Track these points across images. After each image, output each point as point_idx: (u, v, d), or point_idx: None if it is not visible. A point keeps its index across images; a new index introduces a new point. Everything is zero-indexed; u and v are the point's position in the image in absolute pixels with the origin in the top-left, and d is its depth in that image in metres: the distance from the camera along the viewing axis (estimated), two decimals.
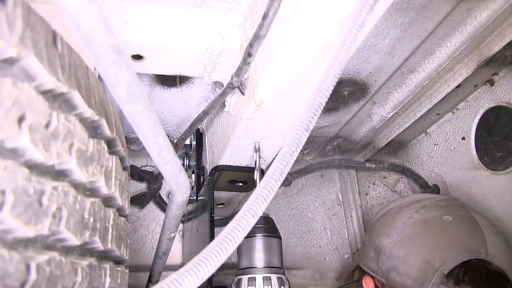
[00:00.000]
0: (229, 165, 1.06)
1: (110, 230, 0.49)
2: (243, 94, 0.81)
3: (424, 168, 1.45)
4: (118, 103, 0.36)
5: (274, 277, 0.86)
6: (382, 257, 0.96)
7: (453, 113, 1.30)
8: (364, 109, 1.29)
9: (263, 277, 0.86)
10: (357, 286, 1.06)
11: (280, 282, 0.86)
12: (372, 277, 0.99)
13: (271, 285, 0.85)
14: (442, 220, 0.96)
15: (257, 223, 0.88)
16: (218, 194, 1.22)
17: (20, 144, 0.34)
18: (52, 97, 0.39)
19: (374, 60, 1.04)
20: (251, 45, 0.64)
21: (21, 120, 0.34)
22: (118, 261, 0.54)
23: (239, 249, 0.95)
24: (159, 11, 0.78)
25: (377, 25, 0.92)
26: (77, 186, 0.42)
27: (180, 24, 0.80)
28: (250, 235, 0.93)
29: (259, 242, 0.92)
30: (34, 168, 0.36)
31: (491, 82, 1.16)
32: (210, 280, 0.99)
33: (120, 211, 0.54)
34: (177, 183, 0.49)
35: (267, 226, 0.95)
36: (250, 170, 1.04)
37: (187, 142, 1.26)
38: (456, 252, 0.88)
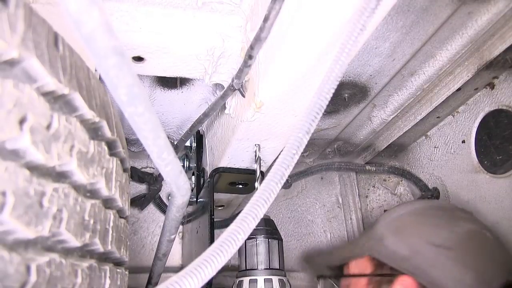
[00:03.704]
0: (229, 167, 1.06)
1: (110, 231, 0.49)
2: (243, 96, 0.81)
3: (424, 171, 1.45)
4: (119, 105, 0.36)
5: (275, 279, 0.86)
6: (424, 262, 0.93)
7: (454, 116, 1.30)
8: (364, 111, 1.29)
9: (265, 279, 0.86)
10: (379, 281, 0.98)
11: (282, 284, 0.86)
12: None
13: (273, 287, 0.85)
14: (486, 236, 0.98)
15: (258, 225, 0.88)
16: (218, 196, 1.22)
17: (21, 145, 0.34)
18: (53, 98, 0.39)
19: (375, 63, 1.04)
20: (252, 47, 0.65)
21: (22, 121, 0.34)
22: (118, 263, 0.54)
23: (240, 251, 0.95)
24: (160, 12, 0.78)
25: (378, 28, 0.93)
26: (77, 187, 0.42)
27: (181, 26, 0.80)
28: (251, 237, 0.93)
29: (260, 244, 0.92)
30: (35, 169, 0.36)
31: (492, 86, 1.16)
32: (210, 283, 0.99)
33: (120, 213, 0.54)
34: (177, 185, 0.49)
35: (268, 228, 0.95)
36: (250, 172, 1.05)
37: (187, 144, 1.26)
38: (503, 271, 0.91)
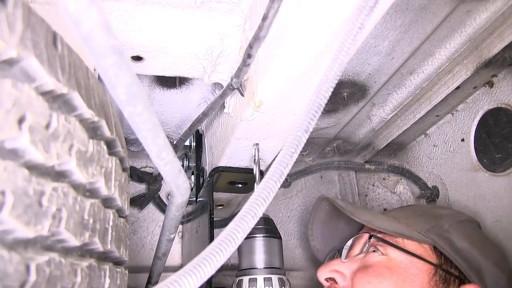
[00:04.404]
0: (229, 166, 1.06)
1: (110, 231, 0.49)
2: (242, 95, 0.81)
3: (423, 169, 1.45)
4: (118, 104, 0.36)
5: (275, 277, 0.86)
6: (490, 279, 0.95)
7: (453, 115, 1.31)
8: (363, 110, 1.29)
9: (264, 278, 0.86)
10: (447, 279, 0.94)
11: (281, 282, 0.86)
12: None
13: (272, 286, 0.85)
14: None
15: (258, 223, 0.88)
16: (218, 195, 1.22)
17: (20, 145, 0.34)
18: (52, 98, 0.39)
19: (374, 61, 1.04)
20: (250, 46, 0.65)
21: (21, 121, 0.34)
22: (117, 262, 0.54)
23: (239, 250, 0.95)
24: (159, 12, 0.78)
25: (377, 27, 0.93)
26: (77, 187, 0.42)
27: (180, 25, 0.80)
28: (251, 236, 0.92)
29: (259, 243, 0.92)
30: (34, 169, 0.36)
31: (491, 84, 1.16)
32: (209, 281, 0.99)
33: (119, 212, 0.54)
34: (177, 185, 0.49)
35: (267, 226, 0.95)
36: (250, 171, 1.05)
37: (187, 143, 1.26)
38: None
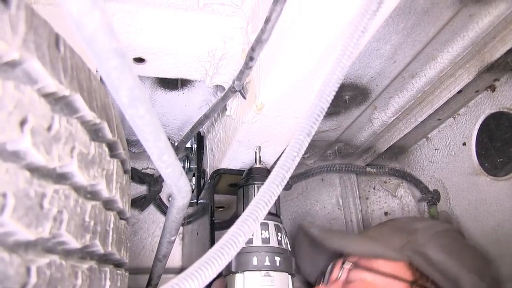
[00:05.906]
0: (230, 169, 1.06)
1: (111, 233, 0.49)
2: (244, 98, 0.81)
3: (424, 173, 1.45)
4: (120, 107, 0.36)
5: (271, 223, 0.85)
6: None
7: (454, 119, 1.30)
8: (365, 113, 1.29)
9: (261, 223, 0.84)
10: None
11: (277, 228, 0.85)
12: None
13: (268, 230, 0.84)
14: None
15: (258, 172, 0.88)
16: (218, 198, 1.22)
17: (21, 147, 0.34)
18: (54, 100, 0.39)
19: (376, 65, 1.04)
20: (253, 49, 0.65)
21: (23, 123, 0.34)
22: (118, 264, 0.54)
23: (238, 199, 0.95)
24: (161, 14, 0.78)
25: (379, 30, 0.93)
26: (78, 189, 0.42)
27: (182, 27, 0.80)
28: (249, 184, 0.92)
29: (258, 190, 0.91)
30: (36, 171, 0.36)
31: (492, 88, 1.16)
32: (210, 285, 0.99)
33: (120, 214, 0.54)
34: (178, 187, 0.49)
35: (267, 175, 0.94)
36: None
37: (188, 145, 1.26)
38: None
